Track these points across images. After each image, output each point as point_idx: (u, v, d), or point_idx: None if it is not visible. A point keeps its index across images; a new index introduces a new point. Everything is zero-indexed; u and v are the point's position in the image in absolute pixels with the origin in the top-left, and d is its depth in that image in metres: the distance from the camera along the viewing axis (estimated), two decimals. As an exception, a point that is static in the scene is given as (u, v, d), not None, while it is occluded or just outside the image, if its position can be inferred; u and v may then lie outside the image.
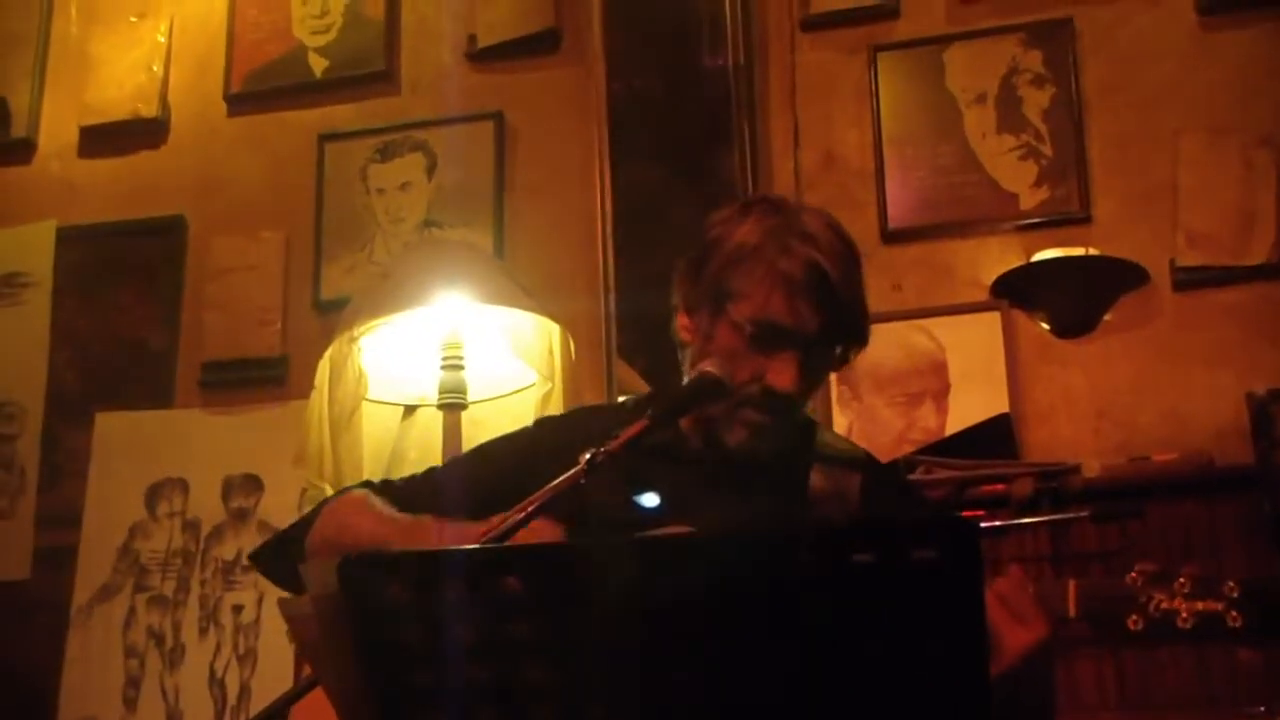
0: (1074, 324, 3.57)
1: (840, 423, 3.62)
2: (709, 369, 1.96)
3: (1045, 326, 3.59)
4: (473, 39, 4.06)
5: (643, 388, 3.66)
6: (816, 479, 2.06)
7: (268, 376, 3.98)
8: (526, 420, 2.69)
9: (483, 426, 3.29)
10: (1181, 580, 1.68)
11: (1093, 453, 3.38)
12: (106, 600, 3.87)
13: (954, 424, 3.55)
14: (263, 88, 4.23)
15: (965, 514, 3.00)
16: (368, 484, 2.20)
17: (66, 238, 4.21)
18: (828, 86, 3.91)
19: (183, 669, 3.78)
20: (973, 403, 3.55)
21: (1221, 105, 3.60)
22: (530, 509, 1.69)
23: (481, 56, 4.06)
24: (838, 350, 2.06)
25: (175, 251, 4.17)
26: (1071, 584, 1.75)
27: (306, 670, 1.57)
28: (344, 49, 4.18)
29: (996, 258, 3.66)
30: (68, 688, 3.81)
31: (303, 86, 4.20)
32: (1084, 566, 2.99)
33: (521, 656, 1.24)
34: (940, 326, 3.66)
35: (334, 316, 3.50)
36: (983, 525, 2.41)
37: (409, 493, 2.14)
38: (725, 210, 2.12)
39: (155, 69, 4.29)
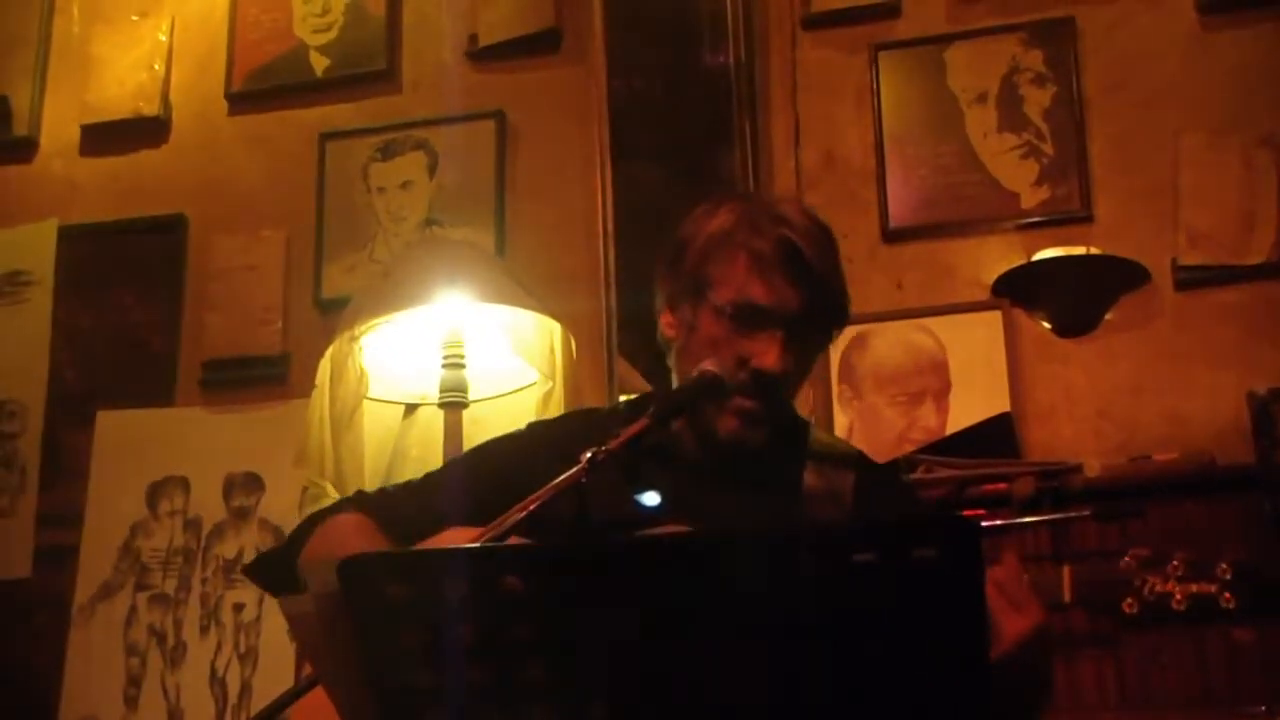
0: (1075, 323, 3.57)
1: (841, 422, 3.62)
2: (709, 367, 1.97)
3: (1046, 325, 3.59)
4: (474, 38, 4.07)
5: (644, 386, 3.65)
6: (810, 477, 2.06)
7: (269, 375, 3.98)
8: (528, 418, 2.69)
9: (484, 425, 3.29)
10: (1175, 563, 1.68)
11: (1093, 452, 3.38)
12: (108, 599, 3.88)
13: (955, 423, 3.55)
14: (264, 86, 4.23)
15: (966, 513, 3.01)
16: (361, 495, 2.20)
17: (68, 236, 4.21)
18: (829, 85, 3.91)
19: (184, 667, 3.78)
20: (974, 402, 3.55)
21: (1222, 104, 3.60)
22: (531, 507, 1.70)
23: (482, 55, 4.06)
24: (820, 329, 2.07)
25: (176, 250, 4.17)
26: (1066, 570, 1.76)
27: (307, 669, 1.57)
28: (345, 48, 4.18)
29: (997, 257, 3.66)
30: (69, 686, 3.81)
31: (304, 85, 4.20)
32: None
33: (522, 656, 1.24)
34: (941, 325, 3.65)
35: (335, 315, 3.50)
36: (984, 524, 2.42)
37: (404, 504, 2.14)
38: (698, 209, 2.14)
39: (156, 68, 4.30)
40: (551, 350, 3.29)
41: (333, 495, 3.24)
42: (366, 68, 4.15)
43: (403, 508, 2.11)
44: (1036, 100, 3.74)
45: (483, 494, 1.98)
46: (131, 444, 3.99)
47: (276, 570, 2.12)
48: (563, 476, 1.72)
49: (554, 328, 3.30)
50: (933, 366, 3.63)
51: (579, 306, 3.62)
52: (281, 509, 3.81)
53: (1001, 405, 3.51)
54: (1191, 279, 3.52)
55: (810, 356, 2.09)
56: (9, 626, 3.93)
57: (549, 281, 3.58)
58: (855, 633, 1.20)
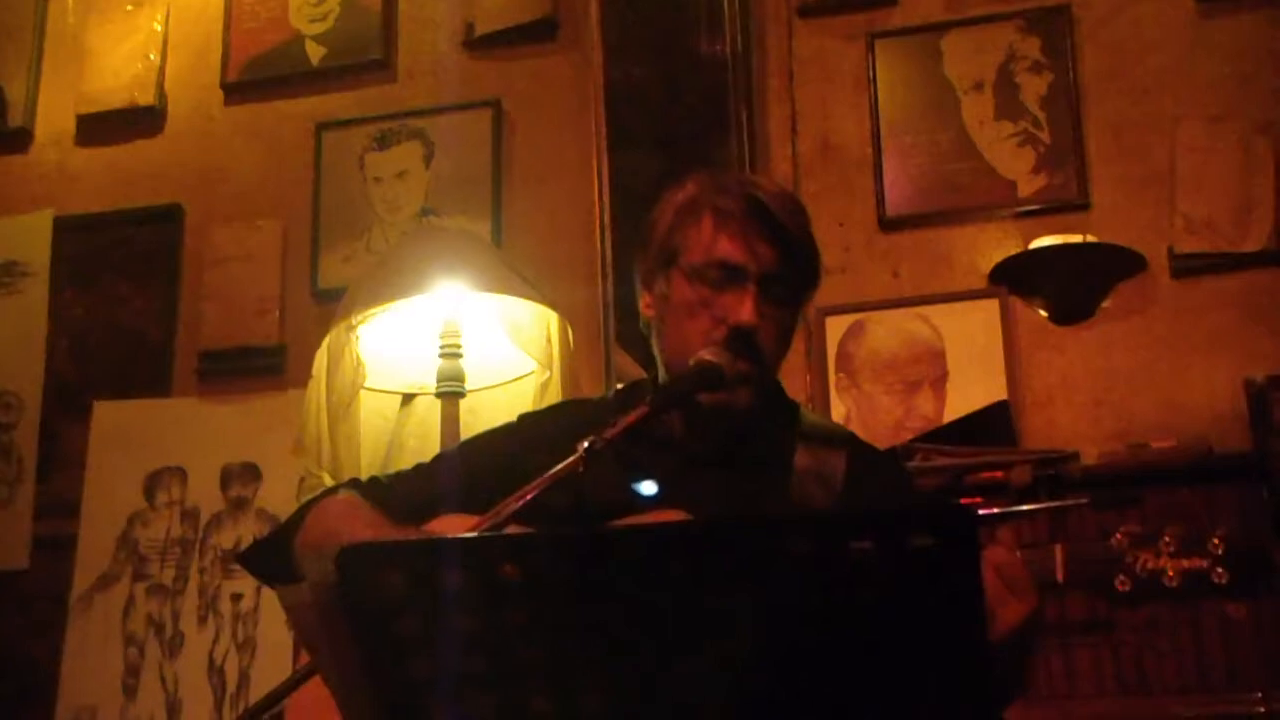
0: (1072, 311, 3.57)
1: (838, 410, 3.62)
2: (706, 356, 1.96)
3: (1043, 313, 3.59)
4: (470, 27, 4.06)
5: (641, 375, 3.65)
6: (802, 459, 2.05)
7: (266, 365, 3.99)
8: (525, 408, 2.69)
9: (481, 415, 3.29)
10: (1167, 539, 1.68)
11: (1091, 440, 3.38)
12: (105, 589, 3.88)
13: (952, 411, 3.55)
14: (260, 76, 4.23)
15: (963, 501, 3.01)
16: (355, 483, 2.20)
17: (64, 227, 4.21)
18: (825, 74, 3.90)
19: (182, 657, 3.79)
20: (971, 390, 3.55)
21: (1219, 92, 3.60)
22: (529, 496, 1.70)
23: (479, 44, 4.06)
24: (792, 286, 2.05)
25: (173, 240, 4.17)
26: (1059, 549, 1.76)
27: (305, 658, 1.57)
28: (341, 37, 4.18)
29: (994, 245, 3.66)
30: (67, 676, 3.81)
31: (300, 75, 4.20)
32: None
33: (519, 644, 1.24)
34: (938, 314, 3.65)
35: (332, 305, 3.50)
36: (981, 512, 2.42)
37: (397, 490, 2.14)
38: (665, 191, 2.14)
39: (152, 57, 4.29)
40: (548, 339, 3.29)
41: (329, 485, 3.23)
42: (362, 57, 4.15)
43: (396, 494, 2.11)
44: (1033, 88, 3.74)
45: (475, 485, 1.98)
46: (128, 434, 3.99)
47: (270, 558, 2.11)
48: (560, 465, 1.72)
49: (551, 317, 3.30)
50: (930, 355, 3.64)
51: (576, 296, 3.62)
52: (279, 499, 3.81)
53: (999, 393, 3.51)
54: (1188, 267, 3.52)
55: (787, 319, 2.06)
56: (7, 617, 3.93)
57: (546, 271, 3.58)
58: (852, 621, 1.20)
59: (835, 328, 3.69)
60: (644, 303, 2.15)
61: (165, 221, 4.19)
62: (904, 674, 1.21)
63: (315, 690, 1.46)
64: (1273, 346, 3.37)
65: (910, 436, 3.43)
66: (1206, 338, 3.47)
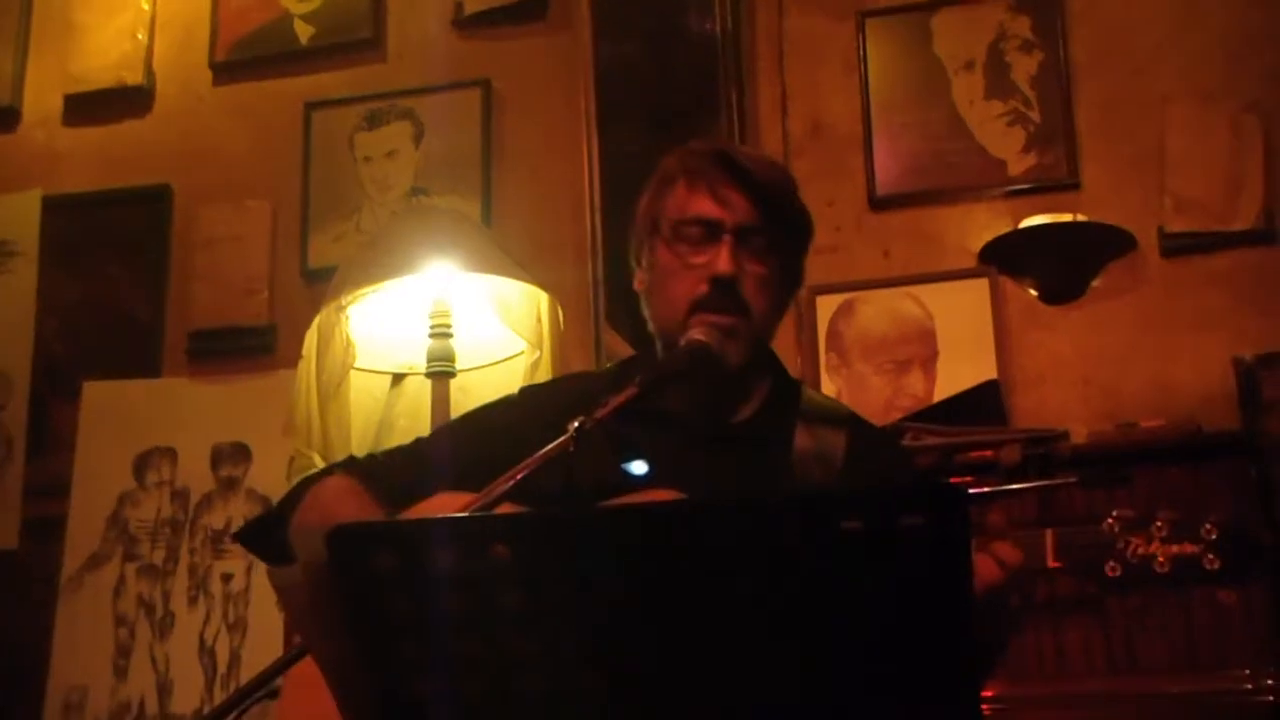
0: (1062, 290, 3.57)
1: (828, 389, 3.63)
2: (697, 336, 1.96)
3: (1033, 293, 3.59)
4: (459, 6, 4.05)
5: (630, 354, 3.65)
6: (801, 438, 2.05)
7: (255, 345, 3.98)
8: (515, 388, 2.68)
9: (471, 394, 3.29)
10: (1159, 524, 1.69)
11: (1080, 419, 3.39)
12: (96, 569, 3.88)
13: (942, 390, 3.56)
14: (248, 55, 4.21)
15: (953, 480, 3.02)
16: (351, 461, 2.19)
17: (52, 207, 4.19)
18: (815, 53, 3.90)
19: (173, 638, 3.79)
20: (961, 369, 3.56)
21: (1209, 71, 3.60)
22: (519, 476, 1.70)
23: (468, 24, 4.05)
24: (773, 236, 2.05)
25: (161, 221, 4.16)
26: (1049, 533, 1.76)
27: (297, 639, 1.57)
28: (330, 16, 4.16)
29: (984, 224, 3.66)
30: (57, 657, 3.81)
31: (289, 54, 4.18)
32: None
33: (510, 625, 1.24)
34: (928, 293, 3.66)
35: (321, 285, 3.49)
36: (970, 491, 2.42)
37: (393, 468, 2.14)
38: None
39: (140, 36, 4.27)
40: (538, 319, 3.29)
41: (320, 465, 3.23)
42: (351, 36, 4.13)
43: (393, 472, 2.11)
44: (1023, 67, 3.73)
45: (474, 460, 1.98)
46: (118, 415, 3.99)
47: (266, 535, 2.12)
48: (550, 446, 1.72)
49: (541, 297, 3.30)
50: (920, 334, 3.64)
51: (566, 275, 3.62)
52: (269, 479, 3.81)
53: (989, 372, 3.52)
54: (1178, 246, 3.52)
55: (772, 273, 2.06)
56: (-3, 598, 3.94)
57: (536, 250, 3.58)
58: (842, 599, 1.20)
59: (825, 307, 3.70)
60: (637, 279, 2.16)
61: (154, 201, 4.17)
62: (893, 651, 1.21)
63: (307, 670, 1.46)
64: (1262, 325, 3.38)
65: (900, 416, 3.44)
66: (1196, 317, 3.48)
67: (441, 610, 1.24)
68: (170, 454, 3.94)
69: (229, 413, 3.92)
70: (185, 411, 3.96)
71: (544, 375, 3.21)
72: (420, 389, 3.39)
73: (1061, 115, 3.67)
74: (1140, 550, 1.68)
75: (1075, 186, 3.63)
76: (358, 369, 3.38)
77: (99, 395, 4.02)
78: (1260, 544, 1.71)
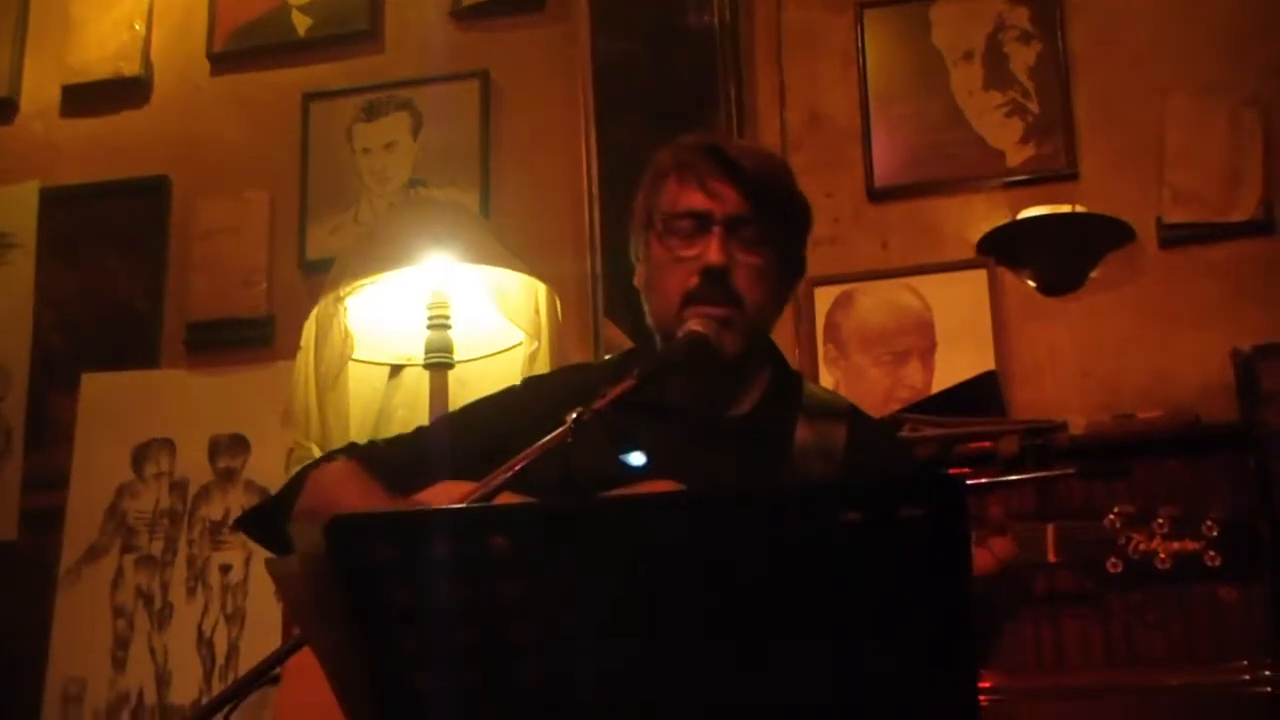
0: (1060, 281, 3.57)
1: (827, 381, 3.63)
2: (695, 327, 1.97)
3: (1031, 284, 3.59)
4: (457, -3, 4.04)
5: (629, 346, 3.65)
6: (802, 432, 2.05)
7: (254, 337, 3.98)
8: (513, 379, 2.69)
9: (469, 386, 3.29)
10: (1160, 520, 1.69)
11: (1078, 410, 3.39)
12: (94, 561, 3.88)
13: (940, 382, 3.56)
14: (246, 46, 4.21)
15: (951, 471, 3.02)
16: (353, 447, 2.19)
17: (50, 198, 4.19)
18: (814, 44, 3.90)
19: (171, 629, 3.79)
20: (959, 361, 3.55)
21: (1208, 63, 3.60)
22: (518, 467, 1.70)
23: (466, 15, 4.04)
24: (765, 225, 2.05)
25: (159, 212, 4.15)
26: (1051, 528, 1.76)
27: (295, 629, 1.57)
28: (327, 7, 4.15)
29: (983, 215, 3.66)
30: (56, 648, 3.81)
31: (286, 45, 4.18)
32: (1069, 524, 3.00)
33: (509, 616, 1.24)
34: (926, 284, 3.66)
35: (320, 276, 3.49)
36: (968, 482, 2.42)
37: (394, 455, 2.14)
38: None
39: (137, 27, 4.26)
40: (537, 311, 3.29)
41: (318, 456, 3.23)
42: (349, 27, 4.12)
43: (394, 459, 2.11)
44: (1022, 58, 3.73)
45: (474, 450, 1.98)
46: (116, 406, 3.98)
47: (268, 522, 2.12)
48: (548, 437, 1.72)
49: (539, 288, 3.29)
50: (918, 325, 3.64)
51: (564, 267, 3.61)
52: (267, 470, 3.81)
53: (987, 364, 3.52)
54: (1176, 237, 3.52)
55: (767, 264, 2.06)
56: (-4, 589, 3.94)
57: (534, 242, 3.57)
58: (841, 590, 1.20)
59: (823, 299, 3.70)
60: (636, 276, 2.17)
61: (152, 193, 4.17)
62: (892, 642, 1.22)
63: (305, 660, 1.46)
64: (1260, 317, 3.38)
65: (898, 407, 3.43)
66: (1194, 308, 3.48)
67: (440, 601, 1.24)
68: (168, 445, 3.94)
69: (227, 404, 3.92)
70: (183, 403, 3.96)
71: (542, 366, 3.21)
72: (418, 380, 3.39)
73: (1060, 106, 3.67)
74: (1141, 546, 1.69)
75: (1074, 177, 3.63)
76: (356, 360, 3.37)
77: (97, 387, 4.02)
78: (1260, 540, 1.71)
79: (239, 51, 4.21)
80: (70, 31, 4.32)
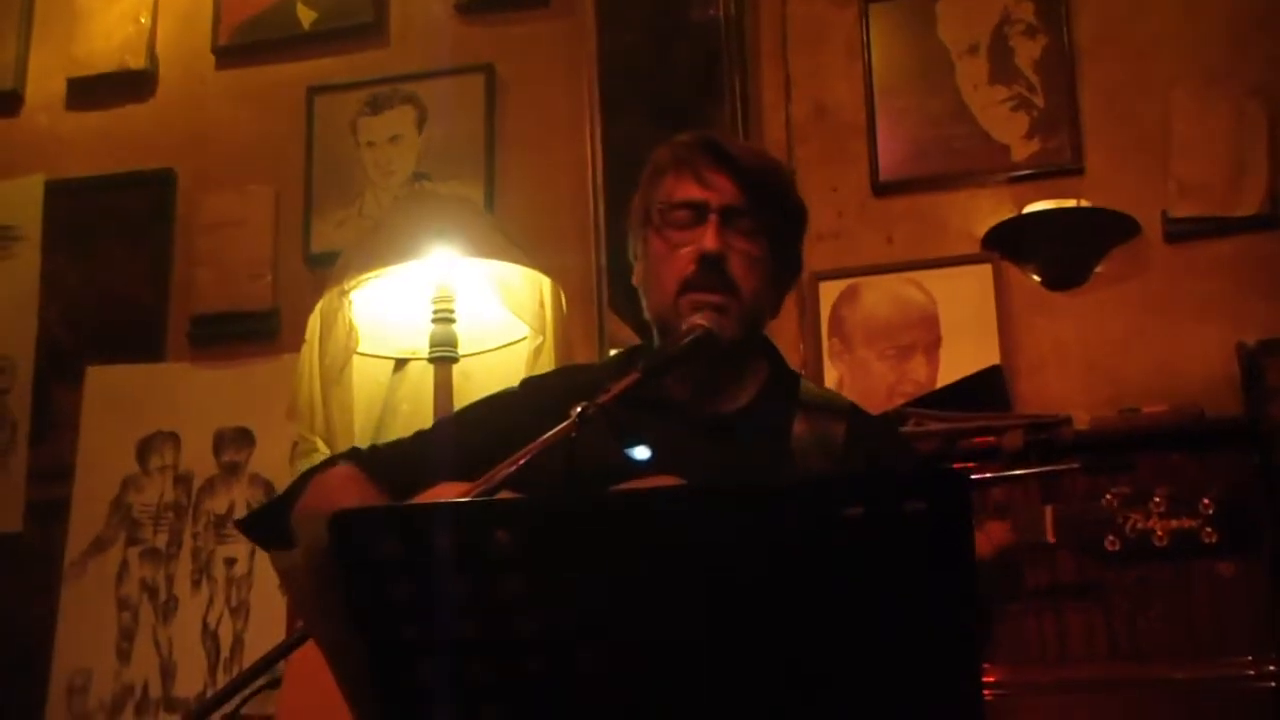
0: (1065, 276, 3.57)
1: (831, 375, 3.63)
2: (699, 321, 1.97)
3: (1036, 278, 3.59)
4: (462, -10, 4.04)
5: (634, 340, 3.65)
6: (799, 426, 2.06)
7: (258, 330, 3.98)
8: (518, 373, 2.69)
9: (474, 380, 3.29)
10: (1157, 499, 1.69)
11: (1083, 404, 3.38)
12: (99, 553, 3.88)
13: (945, 376, 3.56)
14: (251, 40, 4.21)
15: (955, 466, 3.02)
16: (354, 452, 2.20)
17: (55, 191, 4.20)
18: (819, 38, 3.89)
19: (175, 621, 3.80)
20: (964, 355, 3.55)
21: (1213, 56, 3.59)
22: (521, 462, 1.70)
23: (471, 8, 4.04)
24: (760, 215, 2.07)
25: (164, 205, 4.16)
26: (1049, 509, 1.76)
27: (299, 623, 1.57)
28: (332, 0, 4.15)
29: (988, 209, 3.65)
30: (61, 640, 3.82)
31: (291, 39, 4.18)
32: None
33: (512, 610, 1.24)
34: (931, 279, 3.65)
35: (324, 270, 3.49)
36: (973, 477, 2.42)
37: (396, 458, 2.15)
38: None
39: (143, 20, 4.26)
40: (541, 305, 3.29)
41: (323, 450, 3.24)
42: (354, 20, 4.12)
43: (396, 463, 2.12)
44: (1027, 52, 3.72)
45: (475, 451, 1.98)
46: (121, 399, 3.99)
47: (269, 524, 2.12)
48: (553, 431, 1.73)
49: (544, 282, 3.29)
50: (923, 320, 3.64)
51: (569, 261, 3.62)
52: (272, 464, 3.82)
53: (991, 358, 3.51)
54: (1182, 231, 3.51)
55: (762, 253, 2.07)
56: (1, 581, 3.94)
57: (539, 236, 3.57)
58: (845, 584, 1.20)
59: (828, 293, 3.69)
60: (634, 274, 2.19)
61: (157, 186, 4.17)
62: (895, 636, 1.22)
63: (310, 654, 1.47)
64: (1265, 311, 3.38)
65: (903, 401, 3.44)
66: (1199, 302, 3.47)
67: (443, 595, 1.25)
68: (173, 439, 3.94)
69: (232, 397, 3.93)
70: (188, 396, 3.96)
71: (546, 360, 3.21)
72: (423, 374, 3.39)
73: (1065, 100, 3.66)
74: (1139, 525, 1.69)
75: (1079, 172, 3.62)
76: (360, 354, 3.38)
77: (102, 380, 4.03)
78: (1257, 516, 1.72)
79: (244, 45, 4.21)
80: (76, 24, 4.32)
